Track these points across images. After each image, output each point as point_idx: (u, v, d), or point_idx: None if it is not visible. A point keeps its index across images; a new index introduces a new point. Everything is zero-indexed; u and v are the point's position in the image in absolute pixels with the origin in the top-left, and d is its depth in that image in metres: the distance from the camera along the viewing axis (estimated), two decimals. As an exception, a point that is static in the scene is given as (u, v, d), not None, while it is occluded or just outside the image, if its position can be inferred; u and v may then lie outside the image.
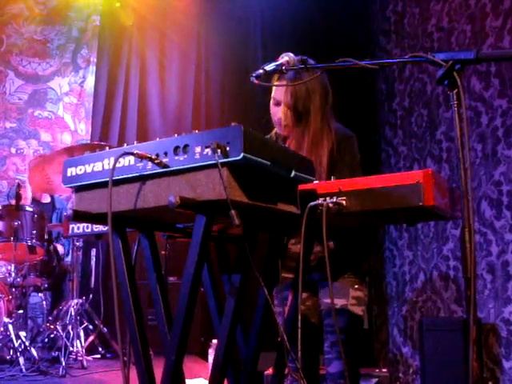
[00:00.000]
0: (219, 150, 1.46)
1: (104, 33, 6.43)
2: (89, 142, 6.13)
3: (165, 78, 6.47)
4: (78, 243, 5.18)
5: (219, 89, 6.49)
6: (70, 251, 5.36)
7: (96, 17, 6.52)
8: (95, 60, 6.45)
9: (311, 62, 2.24)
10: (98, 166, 1.75)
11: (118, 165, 1.67)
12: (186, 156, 1.55)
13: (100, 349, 5.21)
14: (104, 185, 1.68)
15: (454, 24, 5.29)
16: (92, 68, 6.50)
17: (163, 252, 5.39)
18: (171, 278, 5.12)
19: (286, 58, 2.18)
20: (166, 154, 1.59)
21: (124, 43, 6.44)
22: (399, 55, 5.88)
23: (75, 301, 4.96)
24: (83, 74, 6.53)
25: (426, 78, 5.55)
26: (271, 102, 2.59)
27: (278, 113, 2.56)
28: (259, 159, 1.52)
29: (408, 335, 5.53)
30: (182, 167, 1.56)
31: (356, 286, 2.49)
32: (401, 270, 5.74)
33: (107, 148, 1.76)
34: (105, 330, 5.07)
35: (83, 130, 6.48)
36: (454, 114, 1.71)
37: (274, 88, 2.56)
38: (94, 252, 5.62)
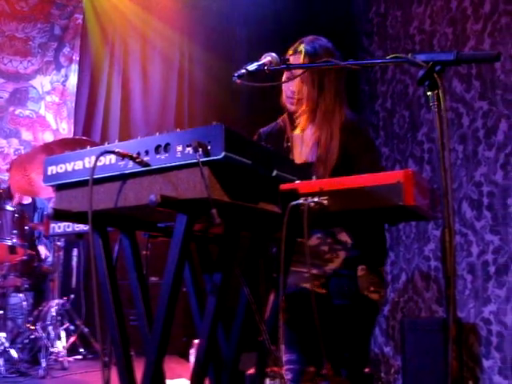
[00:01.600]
0: (200, 149, 1.46)
1: (87, 31, 6.40)
2: (71, 139, 6.07)
3: (148, 77, 6.46)
4: (59, 243, 5.15)
5: (202, 87, 6.50)
6: (52, 251, 5.33)
7: (79, 15, 6.48)
8: (78, 59, 6.42)
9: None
10: (78, 165, 1.75)
11: (98, 163, 1.66)
12: (167, 155, 1.55)
13: (81, 349, 5.18)
14: (85, 183, 1.67)
15: (435, 26, 5.33)
16: (74, 67, 6.46)
17: (145, 252, 5.37)
18: (153, 278, 5.10)
19: (268, 57, 2.18)
20: (147, 152, 1.59)
21: (107, 42, 6.42)
22: (382, 57, 5.92)
23: (56, 301, 4.93)
24: (65, 72, 6.48)
25: (407, 79, 5.59)
26: (284, 76, 2.55)
27: (291, 86, 2.55)
28: (240, 158, 1.52)
29: (390, 335, 5.56)
30: (163, 166, 1.56)
31: (372, 289, 2.43)
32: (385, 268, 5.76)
33: (88, 147, 1.76)
34: (86, 330, 5.05)
35: (65, 129, 6.43)
36: (434, 114, 1.73)
37: (290, 61, 2.50)
38: (75, 252, 5.59)
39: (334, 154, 2.43)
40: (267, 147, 1.68)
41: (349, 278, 2.39)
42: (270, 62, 2.17)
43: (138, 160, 1.58)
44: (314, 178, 1.87)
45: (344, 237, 2.40)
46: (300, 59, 2.50)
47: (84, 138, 5.13)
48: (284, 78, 2.54)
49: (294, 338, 2.44)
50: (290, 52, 2.56)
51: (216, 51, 6.39)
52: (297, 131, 2.61)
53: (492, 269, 4.52)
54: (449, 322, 1.61)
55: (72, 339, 4.99)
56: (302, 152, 2.56)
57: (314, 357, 2.36)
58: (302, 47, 2.52)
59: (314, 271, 2.42)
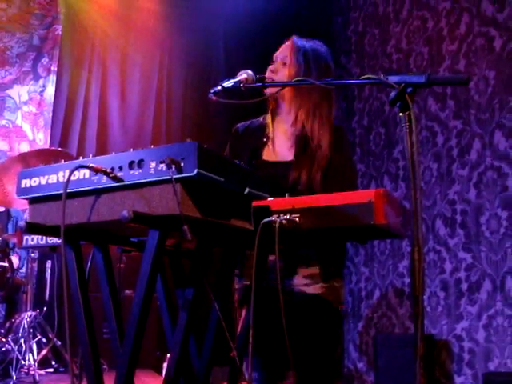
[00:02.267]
0: (174, 166, 1.48)
1: (66, 42, 6.39)
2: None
3: (126, 91, 6.47)
4: (33, 254, 5.10)
5: (180, 103, 6.52)
6: (25, 262, 5.28)
7: (58, 26, 6.47)
8: (56, 69, 6.40)
9: None
10: (52, 178, 1.75)
11: (72, 178, 1.67)
12: (140, 171, 1.56)
13: (53, 362, 5.12)
14: (58, 197, 1.68)
15: (412, 46, 5.42)
16: (52, 77, 6.43)
17: (118, 265, 5.34)
18: (127, 291, 5.09)
19: (244, 75, 2.20)
20: (121, 168, 1.60)
21: (86, 54, 6.42)
22: (359, 74, 5.99)
23: (28, 313, 4.87)
24: (43, 83, 6.46)
25: (384, 97, 5.66)
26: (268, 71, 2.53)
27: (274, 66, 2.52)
28: (213, 175, 1.54)
29: (363, 351, 5.59)
30: (136, 182, 1.57)
31: (333, 303, 2.41)
32: (357, 286, 5.80)
33: (62, 161, 1.76)
34: (58, 343, 4.99)
35: (42, 140, 6.39)
36: (405, 135, 1.76)
37: (278, 52, 2.56)
38: (49, 264, 5.54)
39: (325, 153, 2.41)
40: (240, 164, 1.69)
41: (311, 297, 2.40)
42: (246, 80, 2.18)
43: (111, 175, 1.59)
44: (286, 195, 1.89)
45: (303, 252, 2.40)
46: (287, 45, 2.53)
47: (60, 149, 5.10)
48: (268, 72, 2.51)
49: (256, 356, 2.43)
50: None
51: (195, 68, 6.43)
52: (278, 127, 2.58)
53: (464, 286, 4.58)
54: (417, 339, 1.63)
55: (44, 352, 4.92)
56: (281, 148, 2.52)
57: (277, 373, 2.38)
58: (293, 37, 2.57)
59: (272, 286, 2.44)
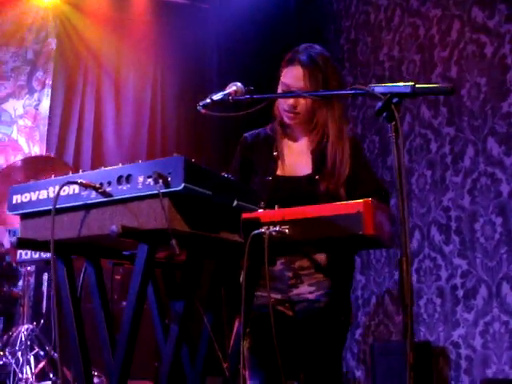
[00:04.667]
0: (161, 180, 1.49)
1: (60, 56, 6.42)
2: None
3: (120, 104, 6.50)
4: (29, 268, 5.10)
5: (175, 114, 6.56)
6: (22, 276, 5.27)
7: (52, 40, 6.50)
8: (50, 83, 6.42)
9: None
10: (43, 194, 1.76)
11: (62, 193, 1.69)
12: (128, 185, 1.58)
13: (51, 375, 5.11)
14: (49, 213, 1.69)
15: (404, 53, 5.45)
16: (47, 91, 6.45)
17: (117, 277, 5.33)
18: (125, 303, 5.09)
19: (233, 87, 2.20)
20: (109, 183, 1.62)
21: (80, 67, 6.45)
22: (352, 82, 6.02)
23: (25, 326, 4.87)
24: (38, 96, 6.47)
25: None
26: (280, 88, 2.49)
27: (288, 100, 2.45)
28: (200, 189, 1.55)
29: (361, 359, 5.59)
30: (124, 196, 1.58)
31: (337, 310, 2.41)
32: (354, 294, 5.80)
33: (52, 176, 1.77)
34: (56, 355, 4.99)
35: (37, 153, 6.41)
36: (392, 145, 1.78)
37: (283, 73, 2.48)
38: (45, 277, 5.54)
39: (347, 167, 2.41)
40: (228, 177, 1.71)
41: (314, 302, 2.41)
42: (235, 92, 2.19)
43: (100, 190, 1.61)
44: (276, 207, 1.91)
45: (306, 262, 2.41)
46: (297, 71, 2.43)
47: (45, 155, 5.09)
48: (279, 91, 2.49)
49: (257, 364, 2.45)
50: (284, 63, 2.51)
51: (188, 79, 6.46)
52: (289, 140, 2.58)
53: (460, 293, 4.59)
54: (406, 349, 1.64)
55: (41, 365, 4.92)
56: (295, 162, 2.52)
57: (279, 381, 2.37)
58: (297, 58, 2.46)
59: (278, 296, 2.44)
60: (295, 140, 2.59)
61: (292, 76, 2.46)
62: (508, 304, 4.18)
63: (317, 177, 2.42)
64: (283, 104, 2.48)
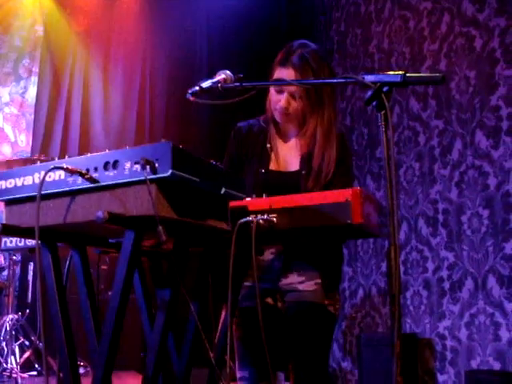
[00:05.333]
0: (148, 167, 1.48)
1: (47, 44, 6.35)
2: (29, 154, 6.01)
3: (108, 92, 6.45)
4: (15, 257, 5.07)
5: (164, 102, 6.52)
6: (7, 265, 5.24)
7: (39, 27, 6.43)
8: (37, 70, 6.36)
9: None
10: (28, 180, 1.74)
11: (48, 179, 1.66)
12: (115, 171, 1.56)
13: (36, 365, 5.08)
14: (34, 199, 1.67)
15: (393, 46, 5.44)
16: (34, 79, 6.39)
17: (104, 267, 5.30)
18: (111, 293, 5.06)
19: (222, 75, 2.18)
20: (96, 169, 1.60)
21: (68, 55, 6.38)
22: (341, 74, 6.00)
23: (10, 316, 4.85)
24: (25, 84, 6.42)
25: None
26: (272, 89, 2.46)
27: (280, 101, 2.42)
28: (188, 176, 1.54)
29: (347, 350, 5.60)
30: (111, 183, 1.57)
31: (326, 302, 2.40)
32: (340, 286, 5.81)
33: (38, 162, 1.75)
34: (41, 345, 4.96)
35: (23, 142, 6.35)
36: (381, 134, 1.76)
37: (276, 73, 2.44)
38: (31, 266, 5.51)
39: (332, 168, 2.40)
40: (216, 164, 1.69)
41: (304, 293, 2.40)
42: (224, 80, 2.17)
43: (86, 176, 1.59)
44: (264, 195, 1.90)
45: (295, 253, 2.40)
46: (289, 73, 2.39)
47: (43, 157, 5.04)
48: (272, 91, 2.46)
49: (247, 354, 2.44)
50: (277, 63, 2.46)
51: (177, 67, 6.42)
52: (280, 137, 2.57)
53: (447, 285, 4.61)
54: (393, 338, 1.63)
55: (26, 355, 4.89)
56: (285, 159, 2.51)
57: (267, 372, 2.36)
58: (289, 59, 2.41)
59: (267, 286, 2.43)
60: (286, 137, 2.58)
61: (284, 77, 2.41)
62: (493, 296, 4.20)
63: (303, 172, 2.42)
64: (274, 104, 2.47)
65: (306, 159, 2.46)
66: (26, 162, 4.85)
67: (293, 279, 2.41)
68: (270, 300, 2.46)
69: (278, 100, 2.44)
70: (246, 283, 2.42)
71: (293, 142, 2.56)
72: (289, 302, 2.43)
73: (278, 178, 2.47)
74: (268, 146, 2.53)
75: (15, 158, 5.86)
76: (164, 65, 6.55)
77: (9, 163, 4.79)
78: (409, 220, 5.01)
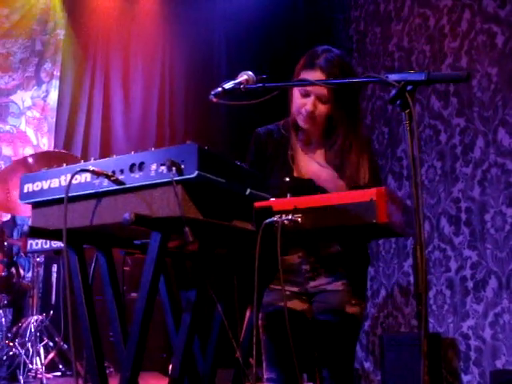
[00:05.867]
0: (174, 168, 1.48)
1: (68, 47, 6.41)
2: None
3: (129, 94, 6.48)
4: (38, 259, 5.12)
5: (183, 104, 6.54)
6: (31, 267, 5.29)
7: (60, 31, 6.49)
8: (58, 74, 6.42)
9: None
10: (54, 183, 1.76)
11: (74, 181, 1.68)
12: (141, 173, 1.57)
13: (60, 366, 5.12)
14: (60, 201, 1.68)
15: (413, 44, 5.41)
16: (55, 82, 6.45)
17: (125, 268, 5.34)
18: (134, 294, 5.09)
19: (244, 76, 2.17)
20: (122, 171, 1.61)
21: (88, 58, 6.44)
22: (361, 73, 5.98)
23: (35, 317, 4.89)
24: (46, 88, 6.48)
25: (387, 96, 5.65)
26: (297, 92, 2.41)
27: (306, 104, 2.37)
28: (214, 177, 1.54)
29: (370, 350, 5.58)
30: (137, 184, 1.57)
31: (353, 302, 2.38)
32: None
33: (64, 164, 1.76)
34: (65, 346, 5.00)
35: (45, 145, 6.41)
36: (406, 133, 1.76)
37: (301, 76, 2.38)
38: (55, 268, 5.55)
39: (366, 176, 2.37)
40: (240, 165, 1.69)
41: (331, 293, 2.39)
42: (247, 81, 2.16)
43: (113, 178, 1.60)
44: (288, 195, 1.89)
45: (323, 255, 2.39)
46: (317, 75, 2.33)
47: (63, 151, 5.11)
48: (297, 94, 2.41)
49: (275, 356, 2.43)
50: (301, 67, 2.42)
51: (197, 68, 6.43)
52: (303, 144, 2.53)
53: (470, 284, 4.57)
54: (421, 337, 1.63)
55: (51, 355, 4.93)
56: (308, 168, 2.47)
57: (295, 376, 2.35)
58: (316, 62, 2.36)
59: (295, 289, 2.42)
60: (309, 143, 2.52)
61: (311, 77, 2.35)
62: (518, 295, 4.16)
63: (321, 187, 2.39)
64: (299, 108, 2.41)
65: (338, 168, 2.40)
66: (44, 156, 4.86)
67: (321, 281, 2.40)
68: (297, 303, 2.44)
69: (303, 104, 2.39)
70: (274, 286, 2.42)
71: (318, 149, 2.50)
72: (316, 303, 2.42)
73: (302, 186, 2.41)
74: (290, 153, 2.49)
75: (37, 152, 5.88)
76: (183, 65, 6.56)
77: (27, 160, 4.79)
78: (431, 219, 4.98)
